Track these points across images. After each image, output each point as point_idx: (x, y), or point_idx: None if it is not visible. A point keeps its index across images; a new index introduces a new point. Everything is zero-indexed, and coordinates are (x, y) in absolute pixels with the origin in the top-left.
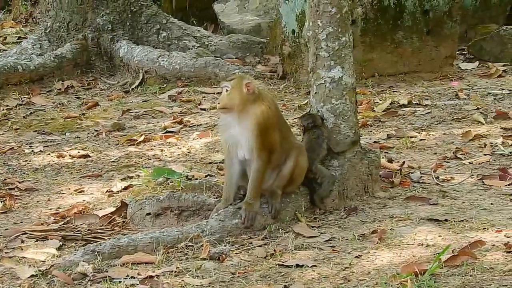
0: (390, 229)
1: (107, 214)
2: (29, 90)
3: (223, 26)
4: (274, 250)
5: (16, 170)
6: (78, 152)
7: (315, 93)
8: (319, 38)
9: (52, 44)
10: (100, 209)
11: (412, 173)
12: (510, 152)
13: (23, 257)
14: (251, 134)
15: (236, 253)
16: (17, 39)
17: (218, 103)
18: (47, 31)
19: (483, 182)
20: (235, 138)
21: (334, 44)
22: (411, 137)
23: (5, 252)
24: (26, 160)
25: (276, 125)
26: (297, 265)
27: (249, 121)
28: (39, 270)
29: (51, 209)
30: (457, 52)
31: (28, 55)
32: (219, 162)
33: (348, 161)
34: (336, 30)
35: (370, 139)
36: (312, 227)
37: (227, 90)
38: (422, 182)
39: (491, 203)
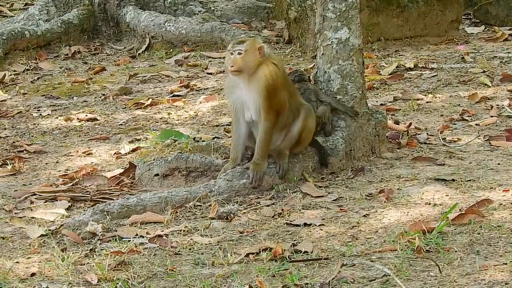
0: (397, 189)
1: (116, 175)
2: (36, 56)
3: None
4: (282, 210)
5: (24, 133)
6: (86, 115)
7: (322, 54)
8: None
9: (59, 9)
10: (109, 170)
11: (418, 134)
12: None
13: (33, 218)
14: (259, 95)
15: (244, 213)
16: (24, 5)
17: (232, 66)
18: None
19: (489, 143)
20: (242, 100)
21: (341, 6)
22: (417, 99)
23: (15, 213)
24: (34, 124)
25: (284, 86)
26: (305, 224)
27: (257, 83)
28: (49, 230)
29: (59, 171)
30: (463, 16)
31: (35, 21)
32: (226, 125)
33: (355, 122)
34: None
35: (377, 101)
36: (320, 187)
37: (239, 53)
38: (429, 143)
39: (498, 163)
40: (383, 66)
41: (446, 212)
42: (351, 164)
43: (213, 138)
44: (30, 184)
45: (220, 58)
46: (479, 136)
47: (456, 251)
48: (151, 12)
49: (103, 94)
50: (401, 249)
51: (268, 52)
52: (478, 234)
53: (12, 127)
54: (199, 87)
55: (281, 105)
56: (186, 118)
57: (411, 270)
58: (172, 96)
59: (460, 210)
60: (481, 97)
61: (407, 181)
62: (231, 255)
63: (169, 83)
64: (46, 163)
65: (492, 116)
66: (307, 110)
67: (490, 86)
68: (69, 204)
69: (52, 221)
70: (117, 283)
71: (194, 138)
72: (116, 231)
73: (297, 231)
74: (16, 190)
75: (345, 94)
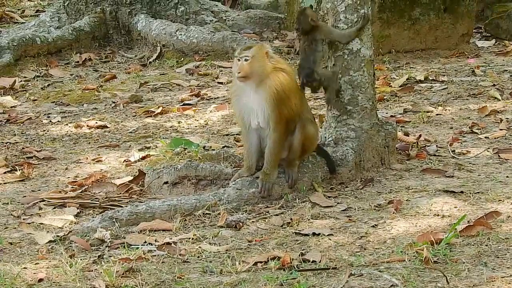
0: (406, 200)
1: (125, 183)
2: (47, 62)
3: (241, 1)
4: (291, 219)
5: (34, 140)
6: (96, 122)
7: (333, 64)
8: (337, 10)
9: (70, 17)
10: (118, 178)
11: (428, 146)
12: None
13: (41, 224)
14: (268, 104)
15: (253, 222)
16: (35, 12)
17: (238, 72)
18: (65, 4)
19: (499, 156)
20: (249, 107)
21: (352, 16)
22: (427, 111)
23: (23, 219)
24: (44, 130)
25: (295, 92)
26: (314, 234)
27: (265, 91)
28: (57, 236)
29: (68, 177)
30: (474, 30)
31: (46, 28)
32: (236, 134)
33: (365, 133)
34: (355, 2)
35: (387, 113)
36: (329, 197)
37: (246, 59)
38: (438, 155)
39: (507, 176)
40: (393, 78)
41: (454, 223)
42: (361, 174)
43: (223, 147)
44: (39, 190)
45: (231, 67)
46: (488, 149)
47: (464, 263)
48: (163, 21)
49: (114, 102)
50: (409, 260)
51: (278, 57)
52: (486, 246)
53: (22, 133)
54: (209, 96)
55: (292, 113)
56: (196, 126)
57: (419, 281)
58: (182, 105)
59: (468, 222)
60: (490, 111)
61: (416, 192)
62: (239, 264)
63: (180, 92)
64: (55, 170)
65: (501, 129)
66: (303, 119)
67: (500, 100)
68: (78, 210)
69: (61, 228)
70: None
71: (204, 147)
72: (125, 238)
73: (305, 240)
74: (24, 196)
75: (356, 105)
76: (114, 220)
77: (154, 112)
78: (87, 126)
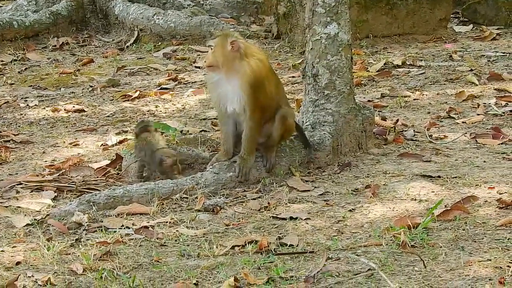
0: (384, 184)
1: (102, 167)
2: (24, 46)
3: None
4: (268, 203)
5: (11, 123)
6: (73, 106)
7: (311, 49)
8: None
9: (47, 0)
10: (95, 162)
11: (405, 131)
12: (503, 112)
13: (19, 207)
14: (243, 93)
15: (230, 206)
16: None
17: (205, 61)
18: None
19: (476, 140)
20: (224, 94)
21: (330, 1)
22: (405, 96)
23: (1, 202)
24: (21, 114)
25: (269, 79)
26: (291, 218)
27: (238, 79)
28: (35, 219)
29: (46, 161)
30: (452, 15)
31: (23, 12)
32: (213, 118)
33: (342, 117)
34: None
35: (364, 98)
36: (306, 181)
37: (211, 48)
38: (416, 140)
39: (484, 161)
40: (371, 62)
41: (431, 208)
42: (338, 159)
43: (200, 131)
44: (16, 173)
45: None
46: (466, 133)
47: (441, 247)
48: (140, 5)
49: (91, 86)
50: (386, 244)
51: (249, 45)
52: (463, 230)
53: None
54: (187, 81)
55: (267, 100)
56: (173, 111)
57: (396, 265)
58: (160, 89)
59: (445, 206)
60: (468, 95)
61: (393, 176)
62: (216, 247)
63: (157, 76)
64: (33, 153)
65: (478, 114)
66: (283, 111)
67: (477, 85)
68: (55, 194)
69: (38, 211)
70: (103, 273)
71: (181, 131)
72: (102, 221)
73: (283, 224)
74: (2, 180)
75: (333, 90)
76: (91, 203)
77: (132, 96)
78: (65, 110)
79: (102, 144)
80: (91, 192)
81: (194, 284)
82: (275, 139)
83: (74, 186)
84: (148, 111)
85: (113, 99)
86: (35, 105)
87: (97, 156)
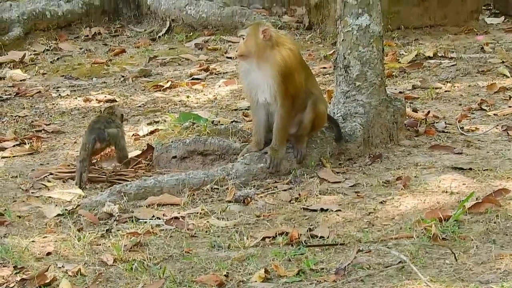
0: (415, 176)
1: (133, 157)
2: (57, 36)
3: None
4: (299, 194)
5: (43, 113)
6: (105, 96)
7: (342, 40)
8: None
9: None
10: None
11: (437, 122)
12: None
13: (50, 197)
14: (273, 81)
15: (261, 197)
16: None
17: (236, 51)
18: None
19: (507, 133)
20: (256, 84)
21: None
22: (436, 88)
23: (32, 192)
24: (53, 104)
25: (299, 69)
26: (322, 209)
27: (269, 68)
28: (66, 210)
29: (77, 151)
30: (483, 7)
31: (56, 2)
32: (245, 109)
33: (373, 109)
34: None
35: (396, 89)
36: (337, 173)
37: (243, 38)
38: (447, 132)
39: None
40: (402, 54)
41: (463, 200)
42: (369, 150)
43: (231, 122)
44: (48, 163)
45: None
46: (497, 126)
47: (472, 240)
48: None
49: (123, 76)
50: (417, 236)
51: (281, 34)
52: (494, 223)
53: (31, 106)
54: (218, 71)
55: (297, 89)
56: (204, 101)
57: (427, 258)
58: (191, 79)
59: (476, 199)
60: (499, 87)
61: (424, 169)
62: (247, 239)
63: (189, 66)
64: (64, 143)
65: (510, 106)
66: (315, 96)
67: (508, 77)
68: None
69: (69, 201)
70: (133, 264)
71: (212, 122)
72: (133, 212)
73: (313, 216)
74: (33, 170)
75: (364, 81)
76: (122, 194)
77: (163, 86)
78: (96, 100)
79: (133, 134)
80: (121, 183)
81: (225, 275)
82: (306, 126)
83: (104, 176)
84: (179, 101)
85: (144, 89)
86: (67, 95)
87: (128, 146)
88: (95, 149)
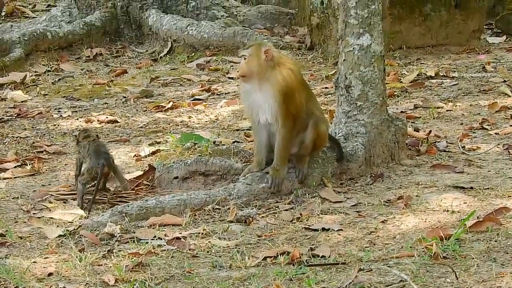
0: (416, 196)
1: (135, 178)
2: (58, 57)
3: None
4: (301, 214)
5: (44, 134)
6: (106, 117)
7: (344, 60)
8: (348, 5)
9: (81, 11)
10: (128, 172)
11: (438, 142)
12: None
13: (51, 218)
14: (274, 101)
15: (262, 217)
16: (47, 7)
17: (237, 71)
18: None
19: (509, 152)
20: (257, 104)
21: (363, 12)
22: (437, 107)
23: (33, 213)
24: (55, 125)
25: (300, 90)
26: (323, 229)
27: (270, 88)
28: (67, 230)
29: None
30: (485, 26)
31: (57, 22)
32: (246, 129)
33: (375, 128)
34: None
35: (397, 109)
36: (339, 192)
37: (245, 58)
38: (448, 151)
39: None
40: (404, 74)
41: (464, 219)
42: (370, 170)
43: (233, 142)
44: (49, 184)
45: None
46: (498, 145)
47: (473, 258)
48: (174, 16)
49: (124, 97)
50: (418, 255)
51: (281, 54)
52: (495, 241)
53: (32, 127)
54: (220, 91)
55: (298, 109)
56: (206, 121)
57: (428, 276)
58: (193, 100)
59: (478, 217)
60: (501, 107)
61: (425, 188)
62: (248, 259)
63: (190, 87)
64: (66, 164)
65: (511, 125)
66: (317, 116)
67: (510, 96)
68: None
69: (70, 222)
70: (134, 284)
71: (214, 142)
72: (134, 232)
73: (315, 235)
74: (35, 191)
75: (366, 101)
76: (123, 214)
77: (165, 107)
78: (98, 120)
79: (135, 155)
80: (123, 203)
81: None
82: (307, 146)
83: (106, 198)
84: (181, 122)
85: (146, 110)
86: (68, 115)
87: (129, 167)
88: (103, 174)
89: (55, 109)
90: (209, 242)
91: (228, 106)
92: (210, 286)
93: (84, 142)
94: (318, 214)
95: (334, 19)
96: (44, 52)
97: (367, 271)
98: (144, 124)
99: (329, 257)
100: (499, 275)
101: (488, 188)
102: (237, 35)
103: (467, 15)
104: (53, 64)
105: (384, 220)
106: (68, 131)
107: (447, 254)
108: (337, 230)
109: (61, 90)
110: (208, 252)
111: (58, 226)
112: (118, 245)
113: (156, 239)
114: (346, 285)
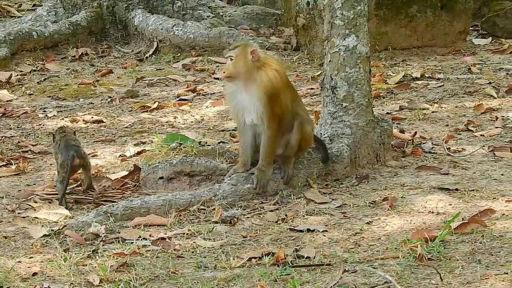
0: (401, 197)
1: (120, 178)
2: (44, 57)
3: None
4: (286, 215)
5: (29, 134)
6: (92, 117)
7: (329, 61)
8: (334, 6)
9: (67, 11)
10: (113, 173)
11: (423, 143)
12: None
13: (36, 218)
14: (260, 102)
15: (247, 217)
16: (32, 6)
17: (223, 72)
18: None
19: (494, 153)
20: (242, 105)
21: (349, 13)
22: (423, 109)
23: (18, 213)
24: (40, 124)
25: (285, 91)
26: (308, 230)
27: (256, 89)
28: (52, 230)
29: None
30: (470, 28)
31: (43, 22)
32: (232, 130)
33: (360, 130)
34: None
35: (383, 110)
36: (324, 193)
37: (231, 59)
38: (434, 153)
39: (502, 174)
40: (390, 75)
41: (449, 221)
42: (356, 171)
43: (219, 143)
44: (34, 184)
45: None
46: (484, 146)
47: (457, 260)
48: (160, 16)
49: (110, 97)
50: (403, 257)
51: (266, 55)
52: (480, 243)
53: (18, 127)
54: (205, 92)
55: (284, 110)
56: (192, 122)
57: (413, 278)
58: (178, 100)
59: (463, 219)
60: (486, 108)
61: (411, 189)
62: (233, 259)
63: (176, 87)
64: (51, 164)
65: (497, 127)
66: (301, 117)
67: (495, 98)
68: (73, 205)
69: (55, 222)
70: (119, 285)
71: (199, 142)
72: (119, 233)
73: (300, 236)
74: (19, 190)
75: (351, 102)
76: (109, 214)
77: (150, 107)
78: (83, 120)
79: (120, 155)
80: (108, 203)
81: None
82: (293, 147)
83: (91, 198)
84: (166, 122)
85: (131, 110)
86: (54, 115)
87: (115, 167)
88: (74, 165)
89: (41, 108)
90: (194, 242)
91: (214, 106)
92: (195, 287)
93: (57, 138)
94: (303, 215)
95: (320, 20)
96: (30, 51)
97: (352, 272)
98: (130, 124)
99: (314, 258)
100: (484, 276)
101: (473, 190)
102: (223, 36)
103: (453, 16)
104: (38, 63)
105: (369, 221)
106: (53, 130)
107: (432, 256)
108: (322, 231)
109: (47, 89)
110: (193, 252)
111: (43, 226)
112: (103, 245)
113: (141, 240)
114: (331, 286)
